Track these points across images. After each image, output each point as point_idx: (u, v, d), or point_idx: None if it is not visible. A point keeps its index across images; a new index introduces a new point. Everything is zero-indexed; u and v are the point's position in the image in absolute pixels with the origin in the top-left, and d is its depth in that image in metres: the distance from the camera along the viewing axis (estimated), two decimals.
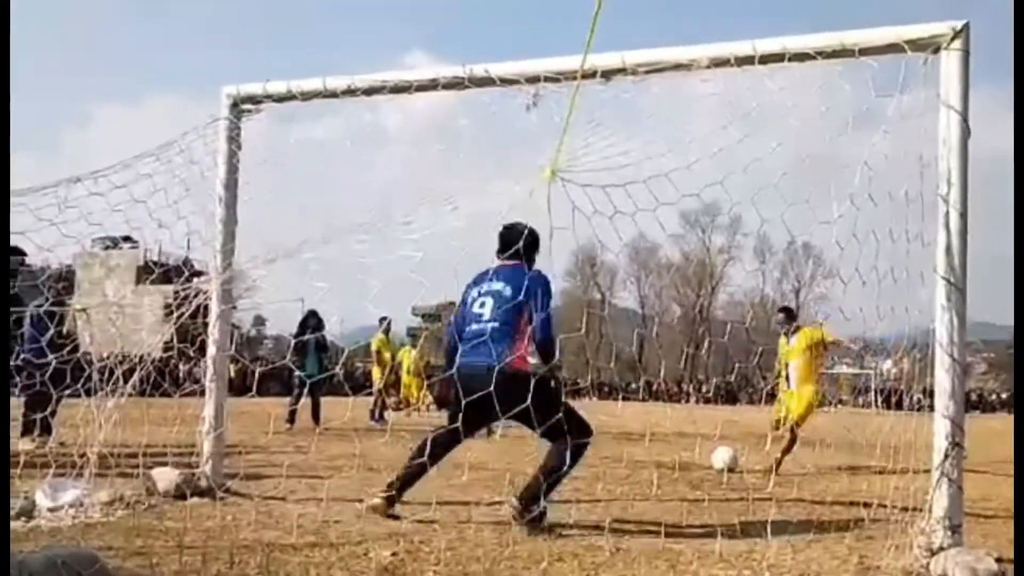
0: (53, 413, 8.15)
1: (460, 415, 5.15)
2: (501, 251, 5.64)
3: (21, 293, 7.98)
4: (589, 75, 5.27)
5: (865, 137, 4.72)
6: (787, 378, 9.70)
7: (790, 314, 10.60)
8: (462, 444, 5.49)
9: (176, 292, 6.66)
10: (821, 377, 9.77)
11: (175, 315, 6.19)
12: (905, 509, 4.75)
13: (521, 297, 5.29)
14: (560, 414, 5.05)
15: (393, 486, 5.41)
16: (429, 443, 5.35)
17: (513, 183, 5.35)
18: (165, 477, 5.73)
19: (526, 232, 5.56)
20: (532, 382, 4.90)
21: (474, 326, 5.44)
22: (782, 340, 10.00)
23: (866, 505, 5.42)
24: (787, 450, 9.12)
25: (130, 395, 5.75)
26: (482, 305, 5.48)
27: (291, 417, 13.29)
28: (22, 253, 7.73)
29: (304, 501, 5.84)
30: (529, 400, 4.75)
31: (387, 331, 17.24)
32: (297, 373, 13.54)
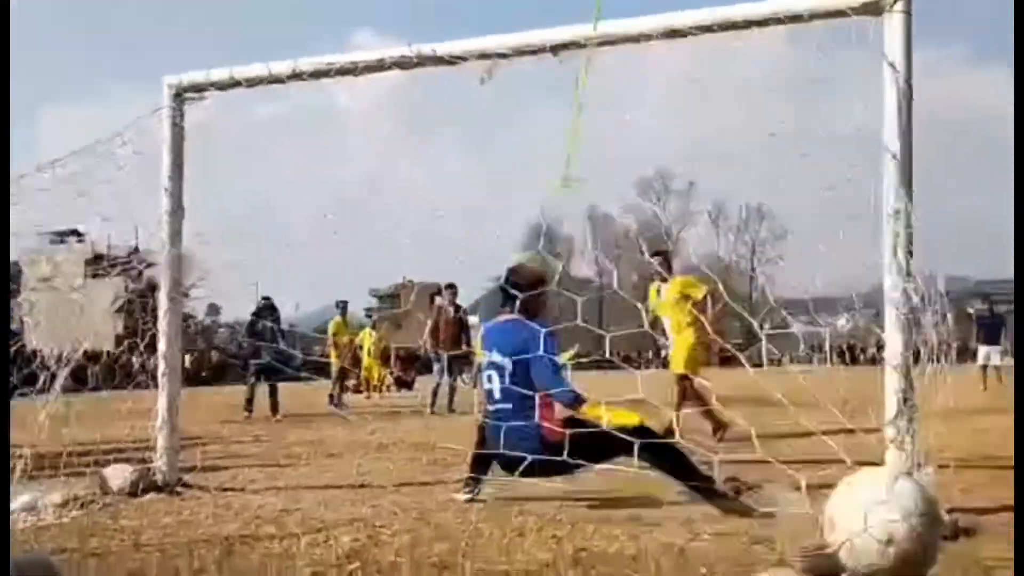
0: None
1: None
2: (502, 302, 5.44)
3: None
4: (540, 50, 5.23)
5: (814, 100, 4.74)
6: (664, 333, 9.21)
7: (666, 258, 9.54)
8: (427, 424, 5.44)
9: (126, 285, 6.54)
10: (702, 329, 8.82)
11: (124, 307, 6.07)
12: (861, 464, 4.82)
13: (519, 372, 5.07)
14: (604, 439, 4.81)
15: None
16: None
17: (474, 163, 5.29)
18: (118, 474, 5.62)
19: (519, 280, 5.31)
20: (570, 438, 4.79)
21: (492, 406, 5.25)
22: (652, 290, 9.37)
23: (821, 463, 5.48)
24: (706, 412, 8.59)
25: (79, 391, 5.64)
26: (490, 380, 5.24)
27: (248, 406, 13.19)
28: None
29: (263, 491, 5.78)
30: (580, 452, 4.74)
31: (344, 314, 17.18)
32: (252, 362, 13.41)
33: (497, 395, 5.17)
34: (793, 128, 4.78)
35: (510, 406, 5.07)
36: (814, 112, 4.70)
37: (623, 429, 4.72)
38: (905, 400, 4.53)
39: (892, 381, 4.59)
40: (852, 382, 5.08)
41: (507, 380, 5.10)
